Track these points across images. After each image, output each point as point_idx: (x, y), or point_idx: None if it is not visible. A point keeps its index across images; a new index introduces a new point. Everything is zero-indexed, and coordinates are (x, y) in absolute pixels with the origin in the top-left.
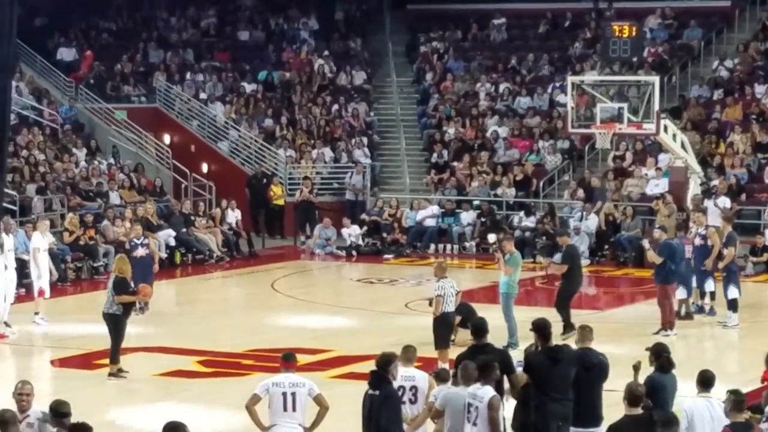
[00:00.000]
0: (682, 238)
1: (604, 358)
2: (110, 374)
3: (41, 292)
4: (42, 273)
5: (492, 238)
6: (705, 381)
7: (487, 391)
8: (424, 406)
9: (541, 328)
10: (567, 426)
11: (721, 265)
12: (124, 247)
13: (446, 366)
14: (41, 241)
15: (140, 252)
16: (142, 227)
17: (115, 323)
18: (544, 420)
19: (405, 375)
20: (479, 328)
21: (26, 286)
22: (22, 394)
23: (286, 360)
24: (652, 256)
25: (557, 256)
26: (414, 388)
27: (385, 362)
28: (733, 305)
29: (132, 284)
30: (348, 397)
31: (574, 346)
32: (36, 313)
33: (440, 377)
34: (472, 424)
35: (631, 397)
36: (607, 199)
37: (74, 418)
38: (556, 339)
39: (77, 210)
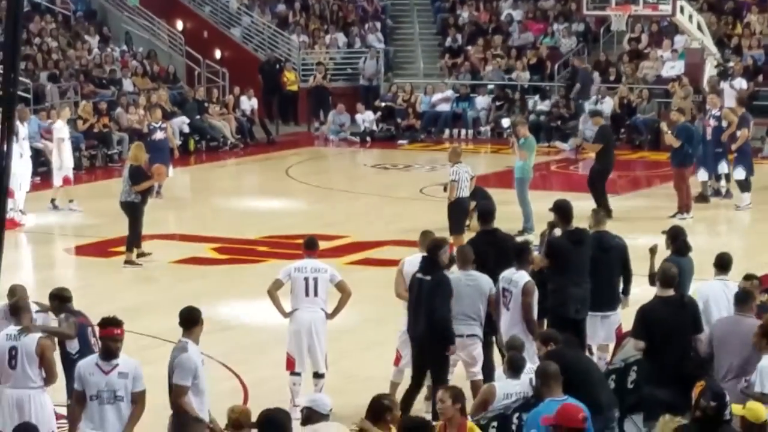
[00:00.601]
0: (701, 120)
1: (621, 240)
2: (126, 261)
3: (67, 180)
4: (67, 162)
5: (506, 122)
6: (723, 263)
7: (522, 276)
8: None
9: (562, 208)
10: (585, 309)
11: (734, 146)
12: (139, 134)
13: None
14: (65, 129)
15: (159, 135)
16: (161, 111)
17: (133, 211)
18: (563, 304)
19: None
20: (486, 213)
21: (41, 175)
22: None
23: (309, 246)
24: (670, 139)
25: (571, 141)
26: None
27: (435, 246)
28: (741, 186)
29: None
30: (364, 283)
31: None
32: (54, 200)
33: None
34: (506, 308)
35: (665, 278)
36: (594, 83)
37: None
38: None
39: (90, 97)
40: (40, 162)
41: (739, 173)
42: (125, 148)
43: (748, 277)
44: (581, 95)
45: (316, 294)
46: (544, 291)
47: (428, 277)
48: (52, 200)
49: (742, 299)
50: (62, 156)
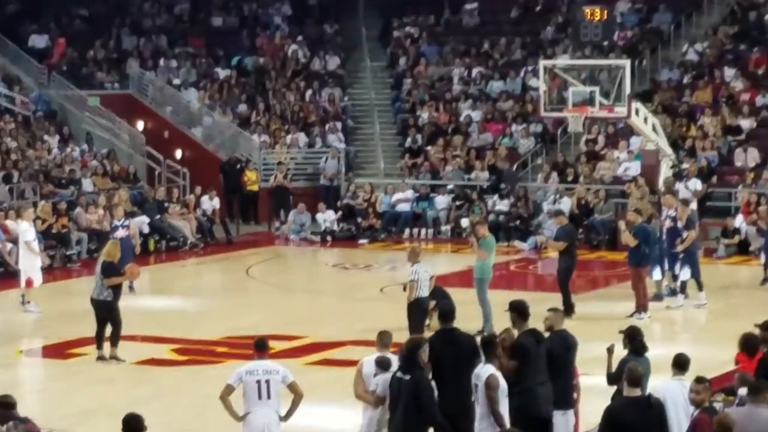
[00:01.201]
0: (658, 220)
1: (576, 340)
2: (111, 356)
3: (29, 282)
4: (35, 262)
5: (465, 222)
6: (680, 363)
7: (487, 370)
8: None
9: (519, 308)
10: (552, 408)
11: (680, 247)
12: (98, 233)
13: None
14: (31, 230)
15: (121, 233)
16: (123, 209)
17: (109, 309)
18: (533, 403)
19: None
20: (446, 313)
21: None
22: None
23: (259, 347)
24: (627, 238)
25: (530, 240)
26: None
27: (414, 346)
28: (684, 286)
29: None
30: (323, 383)
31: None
32: (26, 301)
33: (382, 365)
34: (476, 402)
35: (632, 378)
36: (517, 182)
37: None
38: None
39: (50, 197)
40: None
41: (685, 273)
42: (84, 248)
43: (699, 380)
44: (508, 191)
45: (269, 397)
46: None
47: (407, 377)
48: (26, 301)
49: (756, 390)
50: (31, 256)
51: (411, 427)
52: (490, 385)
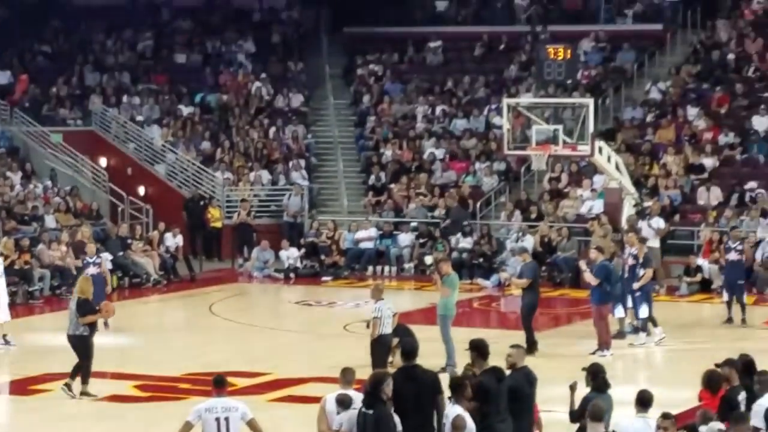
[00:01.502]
0: (620, 258)
1: (536, 376)
2: (82, 393)
3: None
4: (1, 298)
5: (429, 259)
6: (643, 401)
7: (454, 411)
8: None
9: (479, 347)
10: None
11: (636, 285)
12: (61, 270)
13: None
14: None
15: (92, 270)
16: (95, 246)
17: (84, 345)
18: None
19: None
20: (409, 351)
21: None
22: None
23: (218, 384)
24: (589, 277)
25: (494, 277)
26: None
27: (377, 381)
28: (644, 324)
29: None
30: (287, 420)
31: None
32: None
33: (343, 403)
34: None
35: (595, 414)
36: (468, 217)
37: None
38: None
39: (12, 234)
40: None
41: (644, 311)
42: (47, 284)
43: (666, 416)
44: (452, 230)
45: None
46: None
47: (370, 411)
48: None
49: (740, 418)
50: None
51: None
52: (457, 426)
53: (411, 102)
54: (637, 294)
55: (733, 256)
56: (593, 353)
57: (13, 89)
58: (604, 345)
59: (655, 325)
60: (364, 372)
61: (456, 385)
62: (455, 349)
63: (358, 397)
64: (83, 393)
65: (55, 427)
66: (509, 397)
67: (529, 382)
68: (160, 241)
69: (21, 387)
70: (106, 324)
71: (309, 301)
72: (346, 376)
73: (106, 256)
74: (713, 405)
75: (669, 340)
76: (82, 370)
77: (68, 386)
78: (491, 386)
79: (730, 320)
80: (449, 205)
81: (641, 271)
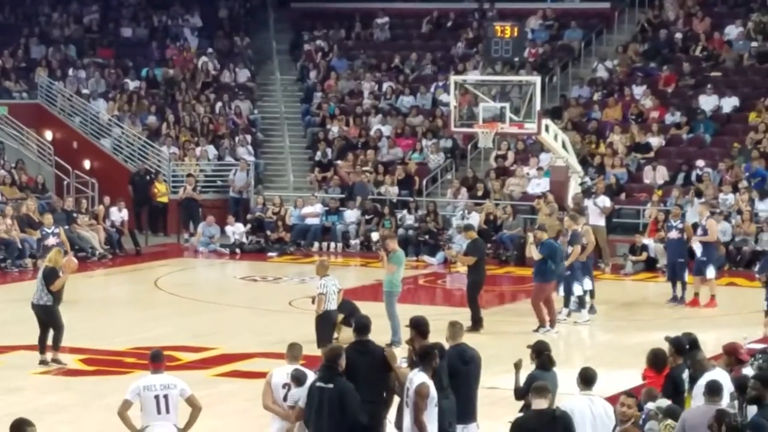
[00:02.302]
0: (564, 236)
1: (477, 353)
2: (53, 360)
3: None
4: None
5: (375, 236)
6: (587, 379)
7: (420, 377)
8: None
9: (419, 324)
10: (454, 423)
11: (566, 263)
12: (6, 243)
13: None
14: None
15: (51, 241)
16: (52, 217)
17: (50, 313)
18: (439, 418)
19: (291, 373)
20: (361, 326)
21: None
22: None
23: (155, 359)
24: (533, 251)
25: (439, 255)
26: None
27: (335, 355)
28: (581, 301)
29: None
30: (232, 395)
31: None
32: None
33: (298, 380)
34: (406, 406)
35: (538, 390)
36: (368, 194)
37: None
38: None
39: None
40: None
41: (577, 289)
42: None
43: (629, 394)
44: (353, 205)
45: (168, 411)
46: None
47: (330, 385)
48: None
49: (715, 390)
50: None
51: None
52: (420, 393)
53: (358, 78)
54: (567, 273)
55: (673, 234)
56: (536, 330)
57: None
58: (543, 322)
59: (583, 306)
60: (309, 348)
61: (425, 353)
62: (400, 325)
63: (309, 374)
64: (54, 360)
65: (0, 400)
66: None
67: (463, 360)
68: (106, 215)
69: None
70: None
71: (254, 277)
72: (293, 351)
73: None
74: (658, 383)
75: (614, 318)
76: (53, 338)
77: (43, 362)
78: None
79: (674, 299)
80: (353, 179)
81: (569, 249)
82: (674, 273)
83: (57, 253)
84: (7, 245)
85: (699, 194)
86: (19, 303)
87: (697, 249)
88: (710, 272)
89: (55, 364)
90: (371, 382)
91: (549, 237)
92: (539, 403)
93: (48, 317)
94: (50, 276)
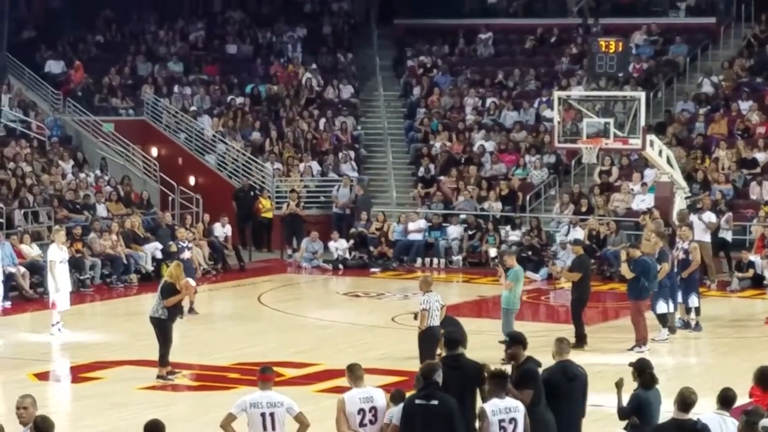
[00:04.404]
0: (669, 252)
1: (584, 370)
2: (158, 376)
3: (53, 305)
4: (59, 285)
5: (493, 252)
6: (725, 400)
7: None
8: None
9: (518, 339)
10: None
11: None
12: (112, 259)
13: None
14: (58, 252)
15: (187, 254)
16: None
17: (162, 328)
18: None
19: (363, 396)
20: (451, 340)
21: (12, 299)
22: (20, 408)
23: (264, 373)
24: (625, 270)
25: (543, 271)
26: (373, 409)
27: (431, 370)
28: (662, 320)
29: None
30: (335, 410)
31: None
32: (53, 324)
33: (395, 398)
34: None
35: (684, 402)
36: (371, 207)
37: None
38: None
39: (64, 222)
40: (11, 287)
41: (661, 307)
42: (98, 273)
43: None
44: (359, 220)
45: (273, 428)
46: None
47: (434, 402)
48: (53, 324)
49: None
50: (56, 279)
51: None
52: (477, 416)
53: (461, 94)
54: (655, 290)
55: None
56: (631, 349)
57: (67, 78)
58: (641, 341)
59: (664, 325)
60: (413, 364)
61: (495, 376)
62: None
63: (379, 393)
64: (159, 376)
65: (105, 415)
66: (546, 391)
67: (567, 377)
68: (206, 231)
69: (72, 375)
70: (191, 310)
71: (357, 293)
72: (356, 371)
73: (156, 245)
74: (765, 402)
75: (720, 336)
76: (160, 351)
77: (162, 377)
78: (537, 371)
79: None
80: (357, 192)
81: (666, 266)
82: None
83: (177, 267)
84: (113, 261)
85: None
86: (125, 318)
87: None
88: None
89: (160, 380)
90: (462, 397)
91: (646, 253)
92: (681, 415)
93: (159, 330)
94: (167, 291)
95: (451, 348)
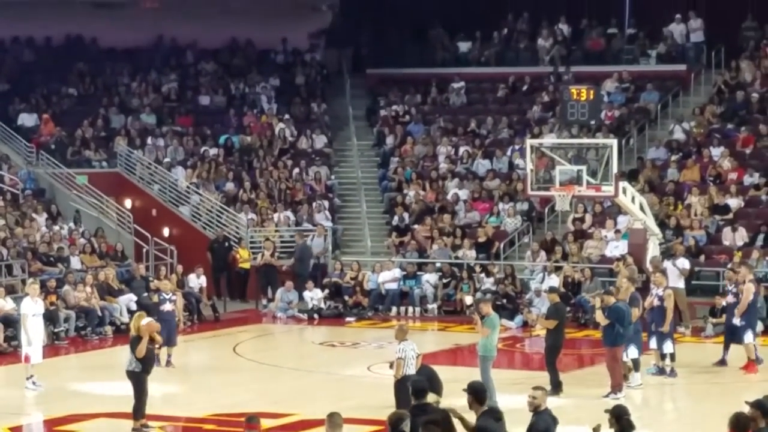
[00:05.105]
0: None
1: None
2: (133, 429)
3: (26, 358)
4: (32, 339)
5: (469, 300)
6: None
7: None
8: None
9: (476, 390)
10: None
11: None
12: (86, 311)
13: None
14: (31, 305)
15: (168, 307)
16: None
17: (136, 380)
18: None
19: None
20: (417, 390)
21: None
22: None
23: (250, 422)
24: (600, 317)
25: (518, 318)
26: None
27: (398, 419)
28: (635, 365)
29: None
30: None
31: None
32: (28, 378)
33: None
34: None
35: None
36: (312, 257)
37: None
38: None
39: (38, 275)
40: None
41: (633, 352)
42: (72, 325)
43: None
44: (300, 268)
45: None
46: None
47: None
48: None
49: None
50: (28, 332)
51: None
52: None
53: (434, 143)
54: (630, 335)
55: (729, 298)
56: (606, 396)
57: (39, 131)
58: (617, 387)
59: (636, 370)
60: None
61: (429, 422)
62: (495, 390)
63: None
64: (134, 429)
65: None
66: None
67: (555, 424)
68: (180, 282)
69: (46, 428)
70: (168, 362)
71: (333, 342)
72: (335, 420)
73: (130, 297)
74: None
75: (695, 382)
76: (134, 405)
77: (138, 429)
78: (490, 427)
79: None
80: (298, 241)
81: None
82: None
83: (136, 319)
84: (87, 313)
85: None
86: (99, 370)
87: None
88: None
89: None
90: None
91: (620, 299)
92: None
93: (133, 383)
94: (135, 343)
95: (418, 396)
